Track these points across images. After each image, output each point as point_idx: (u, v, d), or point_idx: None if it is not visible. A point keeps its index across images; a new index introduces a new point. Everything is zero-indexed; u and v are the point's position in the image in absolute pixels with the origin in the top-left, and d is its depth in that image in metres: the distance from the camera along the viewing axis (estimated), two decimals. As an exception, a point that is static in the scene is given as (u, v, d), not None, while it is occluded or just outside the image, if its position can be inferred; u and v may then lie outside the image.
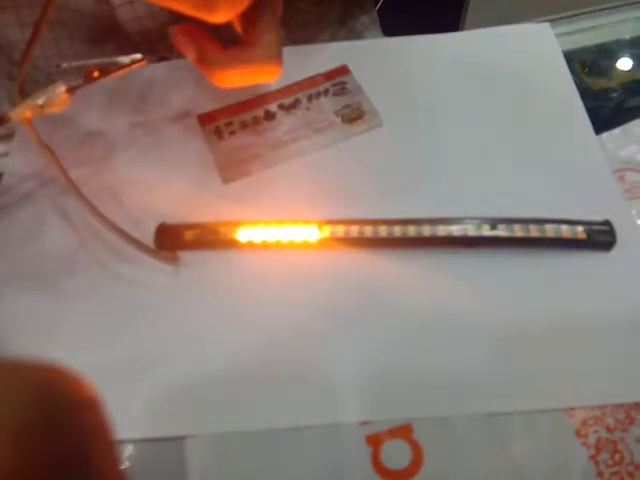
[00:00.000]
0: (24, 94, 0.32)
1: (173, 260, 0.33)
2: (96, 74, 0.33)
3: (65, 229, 0.35)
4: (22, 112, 0.32)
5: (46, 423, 0.15)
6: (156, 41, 0.42)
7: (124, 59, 0.33)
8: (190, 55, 0.29)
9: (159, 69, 0.41)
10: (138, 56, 0.33)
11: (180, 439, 0.28)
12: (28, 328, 0.32)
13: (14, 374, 0.16)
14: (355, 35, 0.51)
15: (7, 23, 0.42)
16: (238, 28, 0.30)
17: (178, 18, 0.40)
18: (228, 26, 0.29)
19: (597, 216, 0.32)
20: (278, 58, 0.30)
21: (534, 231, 0.32)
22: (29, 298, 0.33)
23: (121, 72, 0.33)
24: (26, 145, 0.38)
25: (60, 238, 0.35)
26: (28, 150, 0.37)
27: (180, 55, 0.43)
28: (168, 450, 0.28)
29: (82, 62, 0.33)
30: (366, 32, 0.52)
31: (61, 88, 0.32)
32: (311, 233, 0.33)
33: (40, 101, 0.32)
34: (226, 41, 0.29)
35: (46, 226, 0.35)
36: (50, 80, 0.41)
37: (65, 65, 0.33)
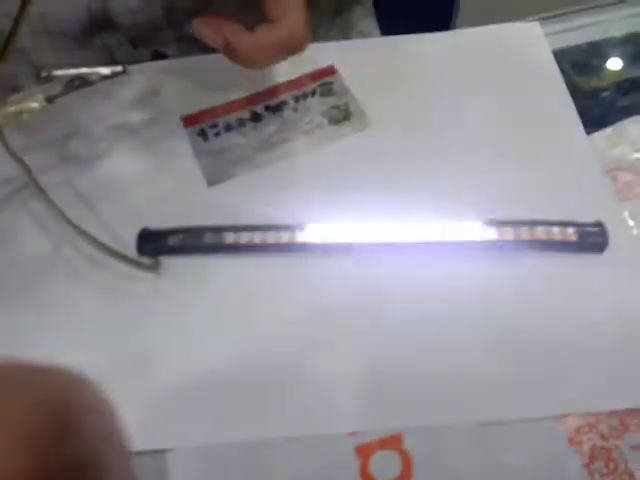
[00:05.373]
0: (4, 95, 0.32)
1: (153, 268, 0.32)
2: (76, 84, 0.33)
3: (44, 233, 0.34)
4: (-2, 118, 0.32)
5: (58, 426, 0.15)
6: (149, 34, 0.42)
7: (105, 70, 0.33)
8: (217, 44, 0.29)
9: (142, 69, 0.40)
10: (119, 68, 0.33)
11: (163, 452, 0.28)
12: (2, 337, 0.31)
13: (26, 377, 0.16)
14: (350, 26, 0.50)
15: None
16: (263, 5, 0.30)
17: (172, 12, 0.39)
18: (250, 9, 0.28)
19: (589, 217, 0.32)
20: (303, 27, 0.29)
21: (524, 233, 0.31)
22: (4, 306, 0.32)
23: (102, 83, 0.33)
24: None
25: (38, 242, 0.34)
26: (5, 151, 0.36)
27: (174, 49, 0.42)
28: (150, 464, 0.27)
29: (63, 71, 0.33)
30: (360, 22, 0.51)
31: (40, 97, 0.32)
32: (298, 236, 0.32)
33: (17, 108, 0.32)
34: (250, 23, 0.29)
35: (23, 229, 0.34)
36: (40, 75, 0.40)
37: (45, 74, 0.33)
